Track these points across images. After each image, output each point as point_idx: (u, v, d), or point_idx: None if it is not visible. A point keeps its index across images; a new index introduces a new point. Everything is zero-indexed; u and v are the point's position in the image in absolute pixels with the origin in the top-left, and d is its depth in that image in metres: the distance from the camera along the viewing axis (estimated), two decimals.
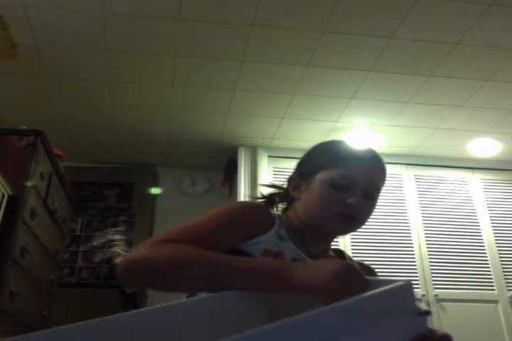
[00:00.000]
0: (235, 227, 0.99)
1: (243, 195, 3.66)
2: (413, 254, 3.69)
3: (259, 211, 1.06)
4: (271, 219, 1.05)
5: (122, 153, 4.10)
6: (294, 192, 1.15)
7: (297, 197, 1.13)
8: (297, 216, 1.11)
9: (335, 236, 1.17)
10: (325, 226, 1.07)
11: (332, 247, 1.21)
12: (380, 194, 1.14)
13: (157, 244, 0.87)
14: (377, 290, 0.64)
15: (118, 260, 0.85)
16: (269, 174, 3.79)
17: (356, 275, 0.74)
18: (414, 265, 3.65)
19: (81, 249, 3.85)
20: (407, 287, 0.69)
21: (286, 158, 3.87)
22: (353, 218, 1.06)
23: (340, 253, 1.21)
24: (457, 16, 2.57)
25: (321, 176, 1.09)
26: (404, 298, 0.68)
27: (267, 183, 1.30)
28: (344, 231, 1.12)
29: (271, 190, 1.25)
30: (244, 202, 1.07)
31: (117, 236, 3.94)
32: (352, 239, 3.54)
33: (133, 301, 3.55)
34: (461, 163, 4.09)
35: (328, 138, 4.07)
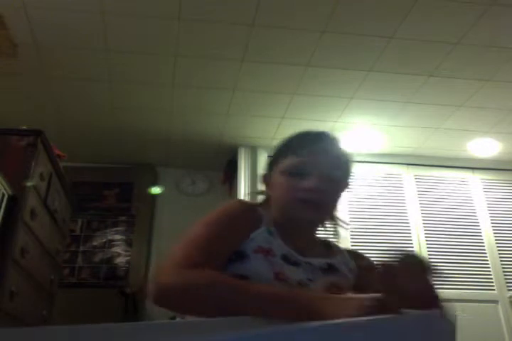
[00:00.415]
0: (237, 229, 1.01)
1: (243, 194, 3.66)
2: None
3: (249, 208, 1.08)
4: (260, 216, 1.07)
5: (122, 153, 4.10)
6: (267, 189, 1.16)
7: (270, 193, 1.14)
8: (275, 211, 1.12)
9: (314, 226, 1.14)
10: (293, 215, 1.07)
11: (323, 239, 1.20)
12: (352, 177, 1.15)
13: (184, 269, 0.88)
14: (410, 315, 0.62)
15: (151, 287, 0.89)
16: None
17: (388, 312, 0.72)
18: None
19: (81, 249, 3.86)
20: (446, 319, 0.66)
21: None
22: (316, 202, 1.05)
23: (326, 244, 1.18)
24: (457, 16, 2.57)
25: (279, 167, 1.10)
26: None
27: (255, 191, 1.31)
28: (312, 217, 1.09)
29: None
30: (235, 202, 1.08)
31: (117, 236, 3.94)
32: (352, 238, 3.53)
33: (133, 301, 3.55)
34: (461, 163, 4.09)
35: None
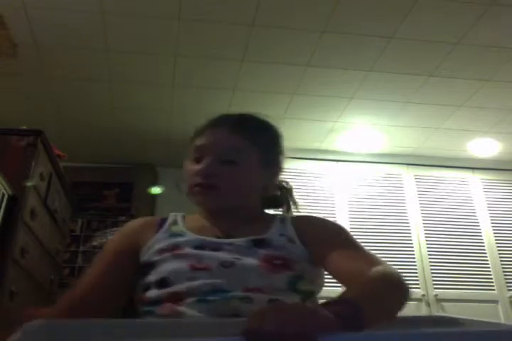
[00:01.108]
0: (110, 251, 1.04)
1: None
2: (413, 254, 3.69)
3: (133, 224, 1.09)
4: (156, 223, 1.07)
5: (122, 153, 4.10)
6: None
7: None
8: None
9: (230, 210, 1.06)
10: (195, 202, 1.05)
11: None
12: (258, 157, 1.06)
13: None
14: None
15: None
16: None
17: None
18: (414, 265, 3.65)
19: (81, 249, 3.85)
20: None
21: (286, 158, 3.87)
22: (209, 185, 1.00)
23: (269, 219, 1.09)
24: (457, 16, 2.57)
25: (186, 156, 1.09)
26: None
27: None
28: (208, 201, 1.03)
29: None
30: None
31: None
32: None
33: (132, 301, 3.54)
34: (461, 163, 4.09)
35: (328, 139, 4.04)
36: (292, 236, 1.02)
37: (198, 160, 1.03)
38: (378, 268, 0.87)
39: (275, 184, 1.17)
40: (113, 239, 1.07)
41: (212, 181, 1.00)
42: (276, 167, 1.14)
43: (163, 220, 1.08)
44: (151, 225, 1.07)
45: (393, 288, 0.84)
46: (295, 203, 1.20)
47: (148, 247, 1.01)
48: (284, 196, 1.21)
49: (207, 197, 1.02)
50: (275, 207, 1.21)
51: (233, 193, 1.03)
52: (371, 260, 0.93)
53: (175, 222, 1.07)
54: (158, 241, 1.01)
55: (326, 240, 1.01)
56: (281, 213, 1.16)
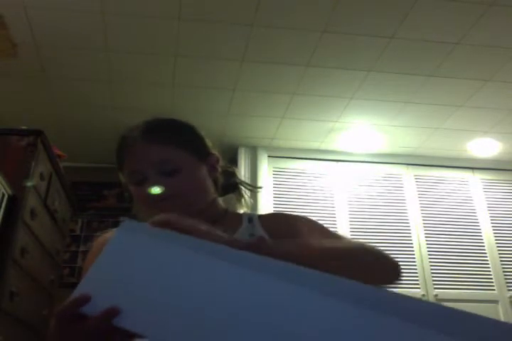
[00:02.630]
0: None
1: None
2: (413, 254, 3.69)
3: (102, 243, 1.05)
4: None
5: None
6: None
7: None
8: None
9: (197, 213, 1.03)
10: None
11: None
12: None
13: None
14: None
15: None
16: (269, 174, 3.79)
17: None
18: (414, 265, 3.65)
19: (81, 249, 3.85)
20: None
21: (286, 158, 3.88)
22: (163, 200, 0.98)
23: (233, 221, 1.08)
24: (457, 16, 2.57)
25: (125, 180, 1.05)
26: None
27: None
28: (181, 213, 1.04)
29: None
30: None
31: None
32: (352, 238, 3.53)
33: None
34: (461, 163, 4.10)
35: (328, 139, 4.04)
36: (263, 236, 0.99)
37: (140, 183, 1.01)
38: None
39: (220, 172, 1.14)
40: (88, 260, 1.03)
41: (167, 195, 0.98)
42: (210, 156, 1.09)
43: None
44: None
45: (359, 252, 0.90)
46: (246, 185, 1.18)
47: None
48: (233, 180, 1.17)
49: (169, 209, 0.97)
50: (228, 192, 1.18)
51: (196, 197, 1.02)
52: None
53: None
54: None
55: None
56: (247, 212, 1.13)
